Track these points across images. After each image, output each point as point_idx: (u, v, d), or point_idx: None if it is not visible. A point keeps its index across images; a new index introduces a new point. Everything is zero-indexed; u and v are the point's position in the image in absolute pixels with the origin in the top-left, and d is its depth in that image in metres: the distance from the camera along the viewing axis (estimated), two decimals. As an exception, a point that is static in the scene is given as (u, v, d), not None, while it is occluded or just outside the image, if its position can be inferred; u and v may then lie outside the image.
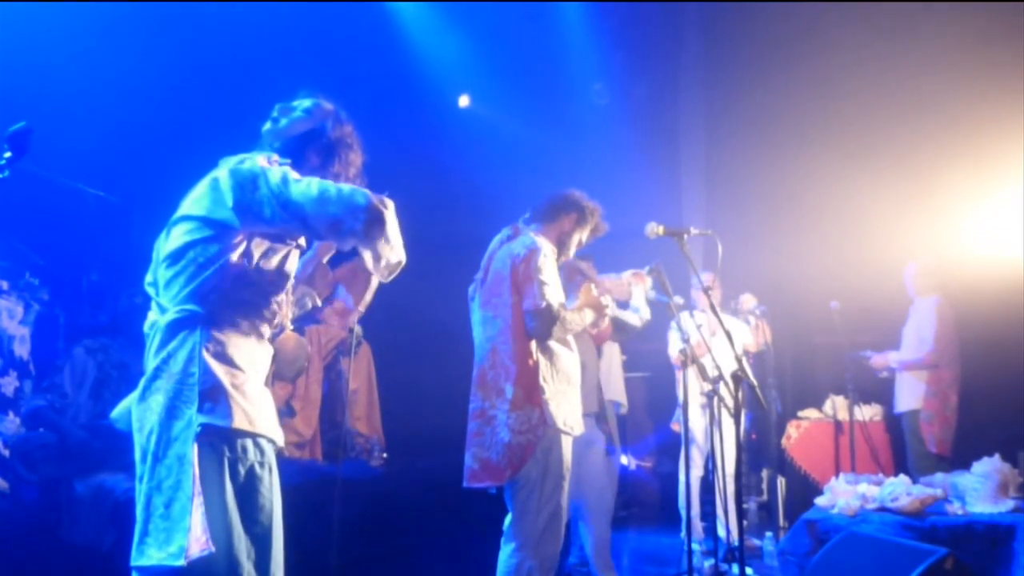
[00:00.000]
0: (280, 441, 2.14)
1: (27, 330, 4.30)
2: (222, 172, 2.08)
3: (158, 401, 1.98)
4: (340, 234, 2.05)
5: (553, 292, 2.93)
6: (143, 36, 4.72)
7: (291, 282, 2.25)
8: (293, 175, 2.07)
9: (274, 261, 2.13)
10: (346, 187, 2.05)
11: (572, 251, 3.18)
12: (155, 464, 1.95)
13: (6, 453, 3.82)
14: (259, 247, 2.09)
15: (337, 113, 2.29)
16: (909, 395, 4.97)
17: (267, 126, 2.27)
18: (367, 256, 2.10)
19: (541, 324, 2.87)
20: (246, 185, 2.01)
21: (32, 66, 4.30)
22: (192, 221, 2.06)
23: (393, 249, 2.10)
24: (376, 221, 2.03)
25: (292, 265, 2.22)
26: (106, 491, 3.46)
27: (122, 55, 4.63)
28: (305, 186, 2.01)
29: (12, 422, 3.97)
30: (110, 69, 4.59)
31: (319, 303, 2.47)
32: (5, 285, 4.18)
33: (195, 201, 2.09)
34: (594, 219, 3.17)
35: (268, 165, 2.10)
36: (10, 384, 4.14)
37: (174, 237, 2.08)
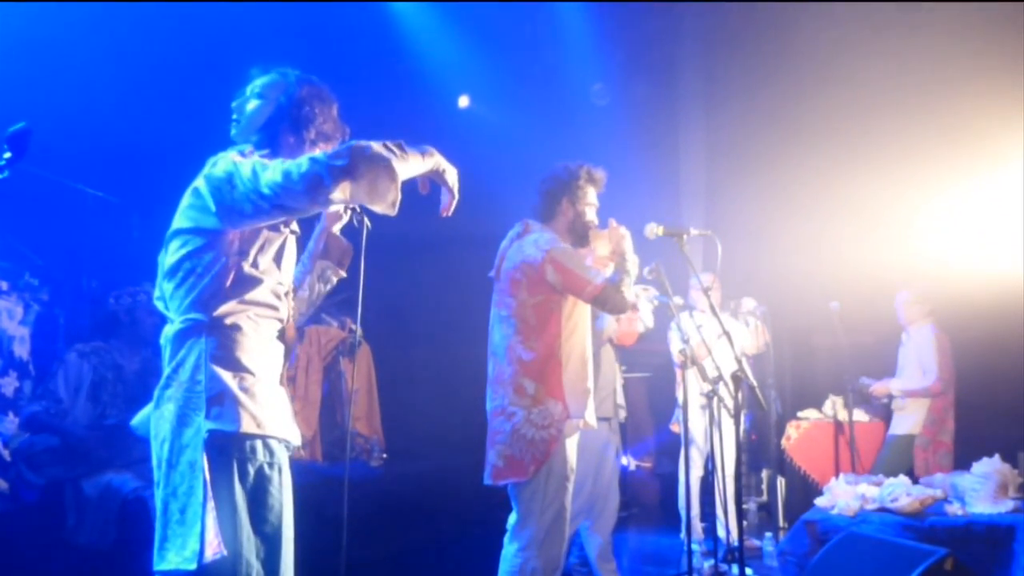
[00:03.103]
0: (296, 440, 2.16)
1: (27, 330, 4.31)
2: (200, 180, 2.08)
3: (169, 410, 2.02)
4: (321, 202, 1.98)
5: (594, 270, 2.95)
6: (143, 36, 4.71)
7: (292, 273, 2.25)
8: (264, 163, 2.02)
9: (270, 254, 2.13)
10: (304, 160, 1.95)
11: (593, 216, 3.13)
12: (169, 471, 1.99)
13: (6, 454, 3.83)
14: (253, 244, 2.09)
15: (285, 82, 2.21)
16: (908, 420, 4.95)
17: (233, 130, 2.23)
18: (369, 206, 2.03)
19: (610, 300, 2.89)
20: (223, 187, 2.00)
21: (32, 66, 4.30)
22: (184, 234, 2.08)
23: (377, 182, 1.97)
24: (343, 175, 1.92)
25: (290, 254, 2.22)
26: (113, 490, 3.45)
27: (122, 55, 4.62)
28: (272, 173, 1.95)
29: (12, 422, 3.98)
30: (110, 69, 4.58)
31: (343, 274, 2.45)
32: (5, 285, 4.19)
33: (182, 213, 2.10)
34: (586, 182, 3.11)
35: (240, 159, 2.06)
36: (10, 384, 4.15)
37: (171, 252, 2.10)
